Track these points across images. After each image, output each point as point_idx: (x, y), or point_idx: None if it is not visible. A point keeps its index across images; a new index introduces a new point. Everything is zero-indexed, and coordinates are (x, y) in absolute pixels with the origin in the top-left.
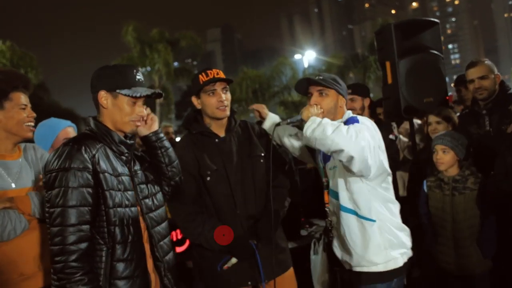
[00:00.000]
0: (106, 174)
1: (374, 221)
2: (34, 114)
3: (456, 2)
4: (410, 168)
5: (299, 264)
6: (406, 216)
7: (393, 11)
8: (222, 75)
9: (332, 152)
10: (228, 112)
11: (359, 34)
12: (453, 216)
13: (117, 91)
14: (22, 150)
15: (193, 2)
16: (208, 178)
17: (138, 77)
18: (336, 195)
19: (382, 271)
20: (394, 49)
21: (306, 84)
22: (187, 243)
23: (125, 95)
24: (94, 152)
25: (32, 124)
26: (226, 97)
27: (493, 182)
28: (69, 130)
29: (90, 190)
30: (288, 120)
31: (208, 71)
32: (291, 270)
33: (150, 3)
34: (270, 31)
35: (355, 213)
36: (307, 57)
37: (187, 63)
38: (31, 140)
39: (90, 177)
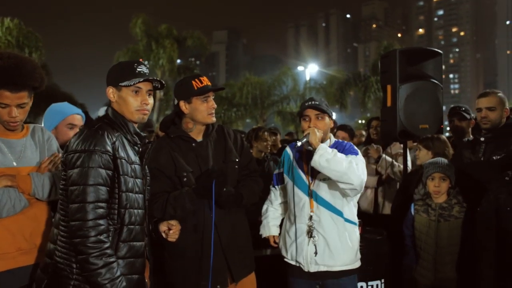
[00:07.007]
0: (123, 160)
1: (356, 224)
2: (15, 115)
3: (462, 34)
4: (398, 189)
5: None
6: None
7: (399, 35)
8: (210, 83)
9: (339, 182)
10: (214, 118)
11: (363, 53)
12: (437, 241)
13: (119, 84)
14: (29, 130)
15: (203, 2)
16: (185, 179)
17: (139, 69)
18: (326, 203)
19: (358, 267)
20: (397, 74)
21: (305, 108)
22: None
23: (124, 86)
24: (114, 139)
25: (14, 121)
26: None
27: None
28: (77, 117)
29: (109, 172)
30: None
31: (201, 78)
32: (252, 274)
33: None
34: (275, 40)
35: (349, 221)
36: (310, 69)
37: (190, 62)
38: None
39: (110, 160)
